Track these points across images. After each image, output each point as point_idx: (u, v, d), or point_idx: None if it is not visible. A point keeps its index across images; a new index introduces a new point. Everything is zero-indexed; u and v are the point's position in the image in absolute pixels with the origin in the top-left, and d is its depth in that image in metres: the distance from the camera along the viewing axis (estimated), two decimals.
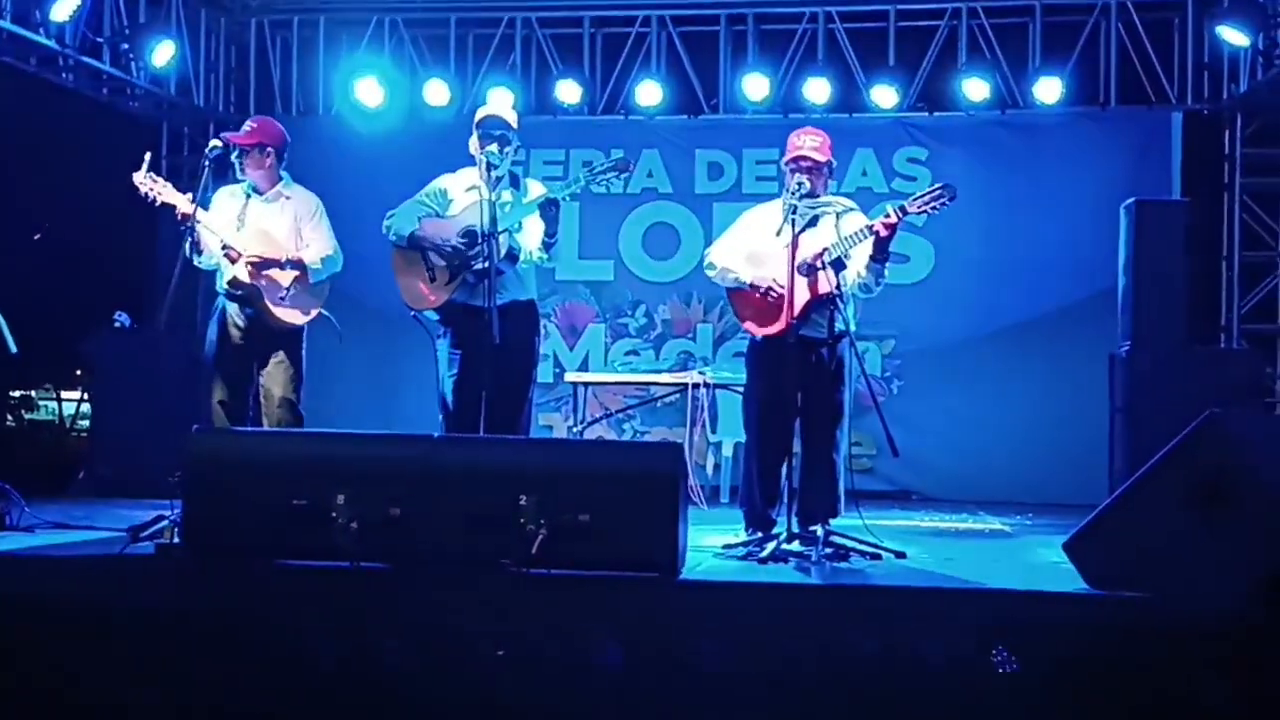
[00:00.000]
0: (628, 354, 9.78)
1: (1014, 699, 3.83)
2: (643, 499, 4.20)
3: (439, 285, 5.60)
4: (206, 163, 5.61)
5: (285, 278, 5.92)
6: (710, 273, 5.75)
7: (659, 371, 9.23)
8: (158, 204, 5.85)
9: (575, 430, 8.50)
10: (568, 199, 5.62)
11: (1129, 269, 7.86)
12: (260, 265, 5.86)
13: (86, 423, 10.48)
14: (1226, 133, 9.38)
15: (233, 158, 5.99)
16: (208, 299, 6.20)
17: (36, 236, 10.32)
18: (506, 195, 5.62)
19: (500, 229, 5.39)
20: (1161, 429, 4.63)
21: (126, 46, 8.72)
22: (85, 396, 11.02)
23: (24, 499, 5.60)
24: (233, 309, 6.00)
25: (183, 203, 5.71)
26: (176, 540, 4.41)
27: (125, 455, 7.93)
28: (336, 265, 6.08)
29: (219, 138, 5.92)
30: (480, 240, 5.40)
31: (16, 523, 5.51)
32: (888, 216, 5.21)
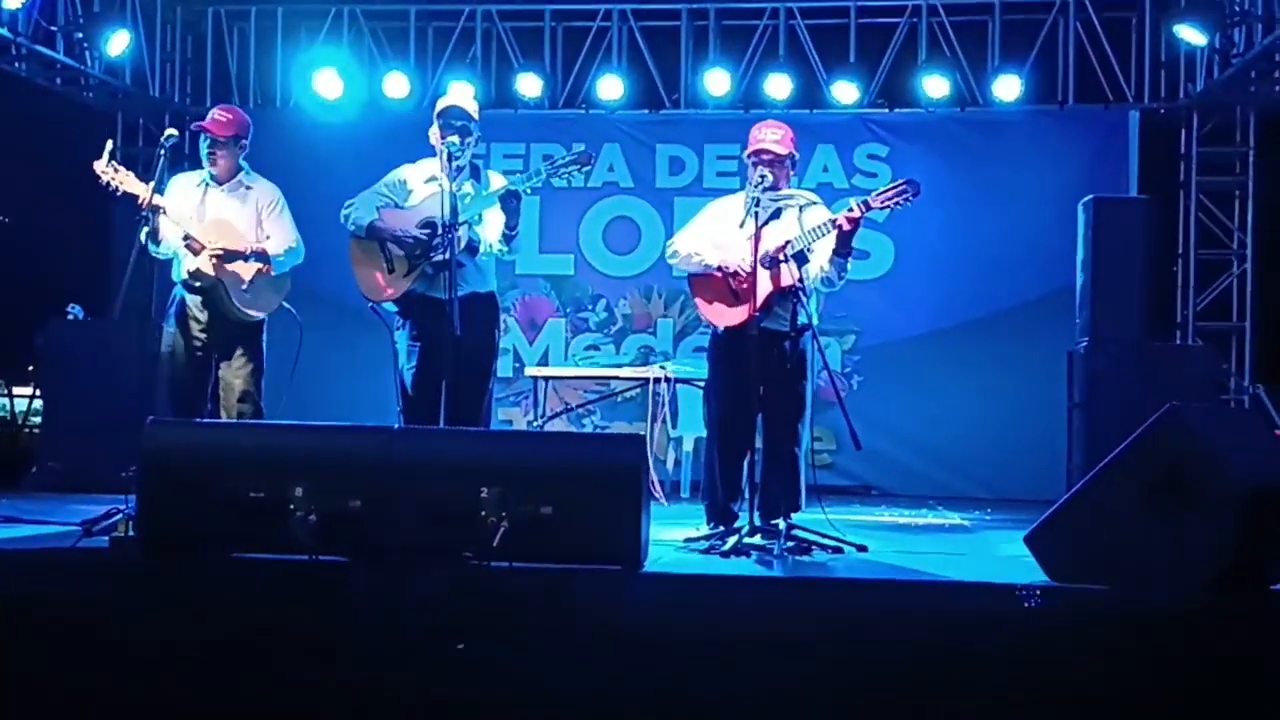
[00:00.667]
0: (588, 348, 9.76)
1: (976, 689, 3.83)
2: (605, 491, 4.17)
3: (398, 276, 5.54)
4: (163, 151, 5.52)
5: (248, 270, 5.85)
6: (674, 260, 5.73)
7: (619, 366, 9.21)
8: (119, 193, 5.76)
9: (535, 425, 8.46)
10: (529, 192, 5.59)
11: (1087, 266, 7.91)
12: (225, 258, 5.79)
13: (40, 419, 10.34)
14: (1183, 131, 9.49)
15: (205, 148, 5.91)
16: (163, 290, 6.11)
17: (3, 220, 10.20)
18: (467, 187, 5.57)
19: (460, 220, 5.34)
20: (1119, 425, 4.67)
21: (81, 35, 8.59)
22: (38, 392, 10.87)
23: None
24: (192, 301, 5.91)
25: (145, 192, 5.62)
26: (131, 534, 4.34)
27: (78, 450, 7.81)
28: (299, 257, 6.03)
29: (193, 127, 5.85)
30: (440, 231, 5.36)
31: None
32: (851, 211, 5.22)
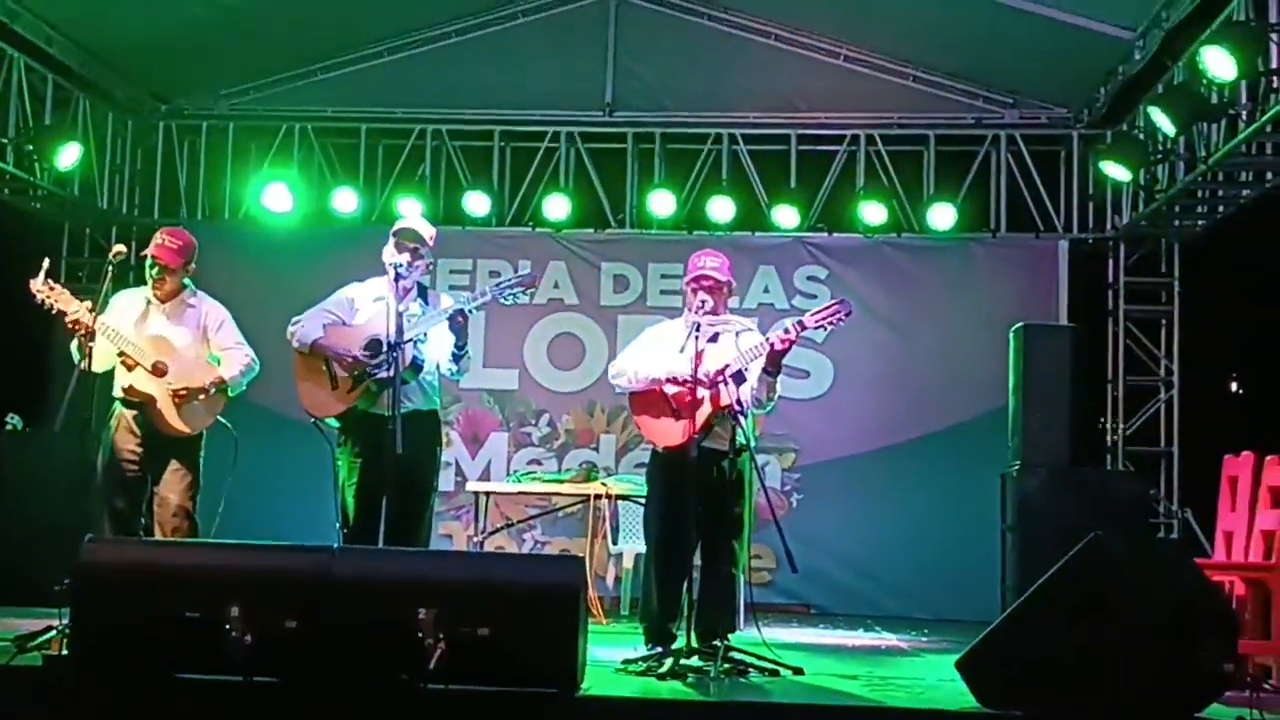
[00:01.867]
0: (530, 463, 9.77)
1: None
2: (543, 613, 4.20)
3: (341, 393, 5.58)
4: (110, 269, 5.55)
5: (209, 403, 5.83)
6: (617, 380, 5.81)
7: (561, 481, 9.22)
8: (54, 311, 5.75)
9: (476, 540, 8.44)
10: (474, 311, 5.68)
11: (1018, 391, 8.09)
12: (185, 397, 5.77)
13: None
14: (1110, 261, 9.79)
15: (152, 271, 5.93)
16: (103, 402, 6.09)
17: None
18: (414, 306, 5.65)
19: (405, 339, 5.41)
20: (1050, 547, 4.77)
21: (32, 148, 8.63)
22: None
23: None
24: (128, 415, 5.89)
25: (80, 311, 5.61)
26: (64, 652, 4.29)
27: (9, 562, 7.69)
28: (254, 373, 6.02)
29: (142, 255, 5.87)
30: (385, 349, 5.43)
31: None
32: (787, 332, 5.36)
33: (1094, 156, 8.99)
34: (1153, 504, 9.15)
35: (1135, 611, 4.12)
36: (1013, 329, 8.24)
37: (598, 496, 8.12)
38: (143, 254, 5.94)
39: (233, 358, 5.96)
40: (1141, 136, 8.64)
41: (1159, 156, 8.47)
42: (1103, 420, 9.68)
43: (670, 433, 5.58)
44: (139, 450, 5.86)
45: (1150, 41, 8.09)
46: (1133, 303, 9.74)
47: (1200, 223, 9.12)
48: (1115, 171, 8.71)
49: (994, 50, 9.19)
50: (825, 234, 9.86)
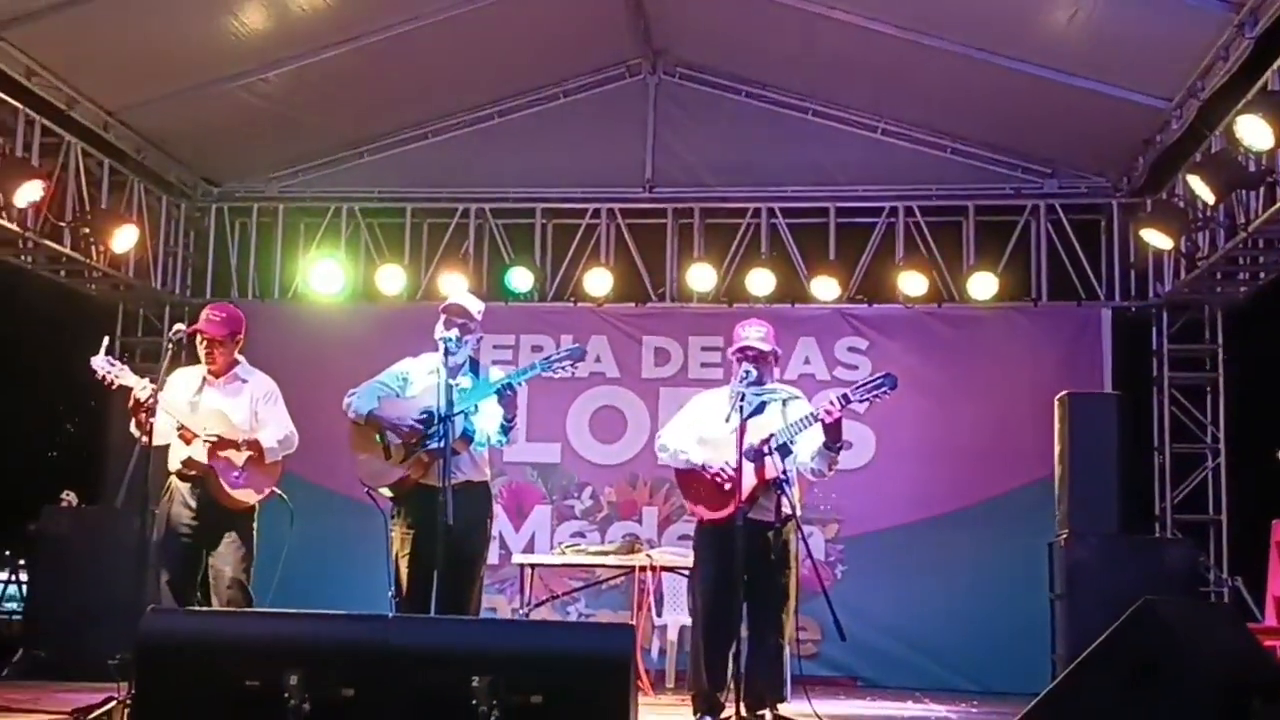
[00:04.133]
0: (573, 535, 9.81)
1: None
2: (596, 681, 4.21)
3: (394, 463, 5.68)
4: (169, 345, 5.70)
5: (239, 458, 5.98)
6: (663, 455, 5.89)
7: (604, 553, 9.24)
8: (115, 387, 5.90)
9: (521, 613, 8.46)
10: (522, 384, 5.77)
11: (1064, 459, 8.07)
12: (218, 446, 5.92)
13: (13, 605, 10.27)
14: (1154, 329, 9.78)
15: (202, 347, 6.08)
16: (159, 478, 6.21)
17: None
18: (464, 380, 5.75)
19: (456, 411, 5.51)
20: (1101, 616, 4.74)
21: (89, 231, 8.86)
22: (14, 578, 10.82)
23: None
24: (184, 488, 6.01)
25: (139, 386, 5.77)
26: None
27: (64, 637, 7.81)
28: (292, 446, 6.16)
29: (189, 330, 6.03)
30: (436, 421, 5.52)
31: None
32: (831, 405, 5.41)
33: (1134, 225, 9.03)
34: (1203, 571, 9.06)
35: (1187, 677, 4.10)
36: (1058, 397, 8.24)
37: (642, 568, 8.15)
38: (190, 330, 6.09)
39: (272, 429, 6.08)
40: (1181, 204, 8.67)
41: (1199, 224, 8.49)
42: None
43: (715, 505, 5.63)
44: (194, 523, 5.98)
45: (1187, 111, 8.15)
46: (1177, 369, 9.72)
47: (1243, 289, 9.14)
48: (1156, 239, 8.74)
49: (1031, 121, 9.28)
50: (865, 305, 9.93)
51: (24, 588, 9.28)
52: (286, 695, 4.06)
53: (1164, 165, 9.09)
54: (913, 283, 9.63)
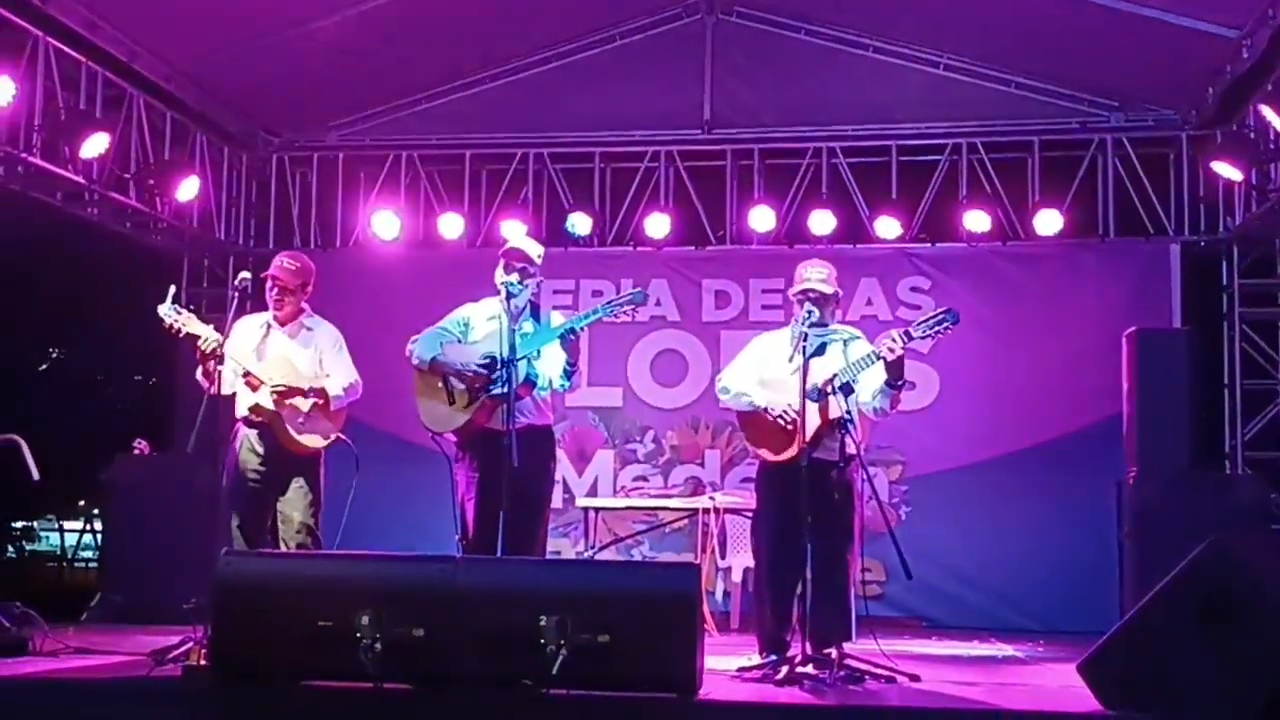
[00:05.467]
0: (636, 479, 9.85)
1: None
2: (662, 620, 4.25)
3: (458, 408, 5.72)
4: (235, 293, 5.76)
5: (305, 404, 6.03)
6: (724, 397, 5.88)
7: (668, 497, 9.29)
8: (182, 335, 5.97)
9: (585, 556, 8.54)
10: (584, 329, 5.77)
11: (1132, 397, 7.98)
12: (284, 394, 5.99)
13: (89, 553, 10.54)
14: (1224, 264, 9.60)
15: (271, 294, 6.15)
16: (229, 424, 6.29)
17: (42, 368, 10.48)
18: (526, 325, 5.77)
19: (519, 356, 5.53)
20: (1170, 554, 4.68)
21: (153, 182, 8.95)
22: (89, 526, 11.08)
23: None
24: (252, 435, 6.08)
25: (206, 333, 5.84)
26: (202, 662, 4.46)
27: (139, 582, 7.98)
28: (357, 393, 6.22)
29: (264, 276, 6.09)
30: (499, 366, 5.55)
31: (40, 647, 5.55)
32: (893, 342, 5.36)
33: (1204, 157, 8.84)
34: (1273, 508, 8.92)
35: (1260, 612, 4.05)
36: (1126, 334, 8.12)
37: (706, 511, 8.18)
38: (263, 275, 6.15)
39: (338, 377, 6.14)
40: (1252, 135, 8.48)
41: (1271, 155, 8.30)
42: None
43: (779, 448, 5.61)
44: (262, 469, 6.05)
45: (1258, 40, 7.94)
46: (1248, 305, 9.53)
47: None
48: (1226, 172, 8.57)
49: (1097, 53, 9.08)
50: (928, 244, 9.82)
51: (99, 536, 9.51)
52: (359, 635, 4.15)
53: (1234, 96, 8.86)
54: (976, 220, 9.51)
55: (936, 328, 5.39)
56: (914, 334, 5.40)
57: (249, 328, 6.17)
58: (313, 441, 6.07)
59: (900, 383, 5.47)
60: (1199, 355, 8.12)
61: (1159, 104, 9.62)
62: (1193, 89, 9.17)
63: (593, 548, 8.60)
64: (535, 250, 5.92)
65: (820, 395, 5.50)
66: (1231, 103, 8.96)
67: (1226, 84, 8.73)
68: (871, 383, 5.52)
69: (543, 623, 4.16)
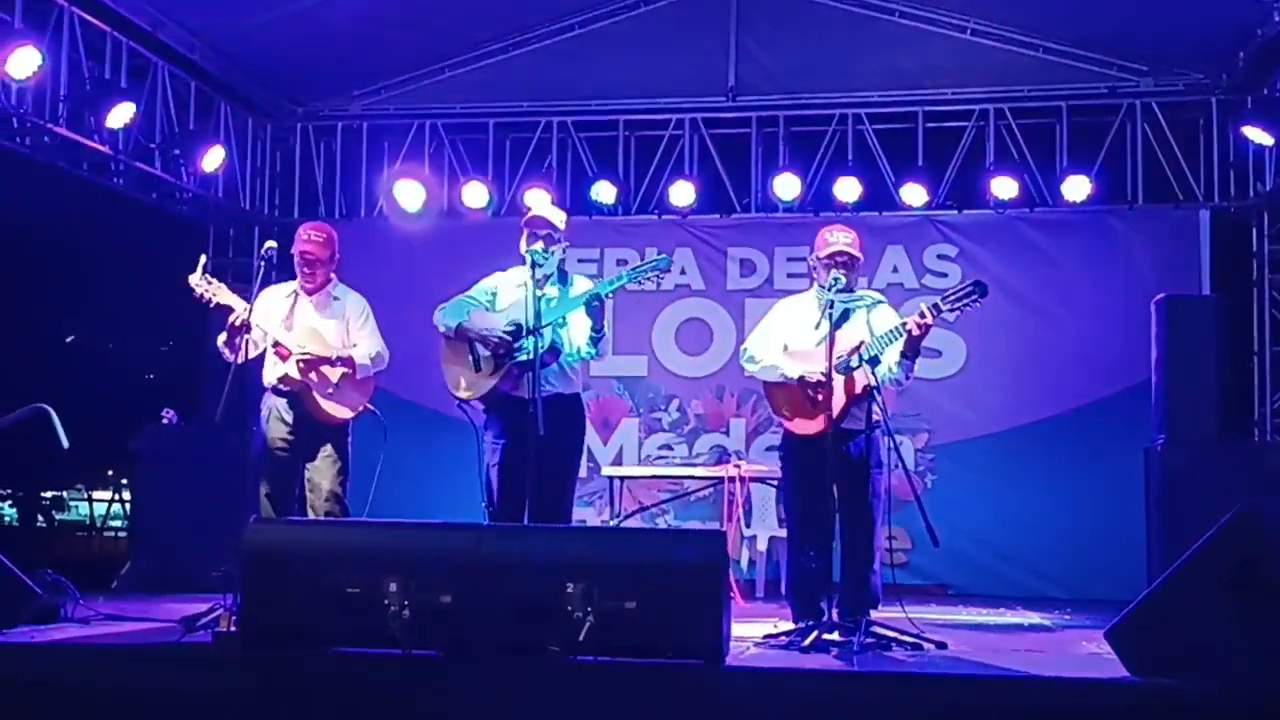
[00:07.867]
0: (661, 448, 9.87)
1: None
2: (688, 587, 4.26)
3: (484, 375, 5.73)
4: (262, 263, 5.78)
5: (334, 374, 6.07)
6: (750, 366, 5.86)
7: (693, 465, 9.30)
8: (212, 305, 6.02)
9: (611, 524, 8.57)
10: (609, 296, 5.77)
11: (1161, 364, 7.93)
12: (311, 362, 6.02)
13: (118, 522, 10.63)
14: (1254, 230, 9.50)
15: (299, 266, 6.16)
16: (256, 395, 6.33)
17: (69, 339, 10.54)
18: (552, 291, 5.77)
19: (544, 323, 5.53)
20: (1199, 522, 4.66)
21: (178, 152, 8.97)
22: (118, 496, 11.17)
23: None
24: (280, 404, 6.13)
25: (237, 303, 5.89)
26: (231, 629, 4.50)
27: (167, 551, 8.05)
28: (384, 363, 6.25)
29: (294, 250, 6.11)
30: (524, 333, 5.55)
31: (71, 615, 5.62)
32: (922, 316, 5.33)
33: (1234, 122, 8.75)
34: None
35: None
36: (1154, 301, 8.06)
37: (731, 479, 8.19)
38: (291, 252, 6.16)
39: (365, 346, 6.17)
40: None
41: None
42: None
43: (807, 418, 5.60)
44: (290, 438, 6.10)
45: None
46: (1277, 271, 9.44)
47: None
48: (1257, 137, 8.48)
49: (1126, 17, 8.96)
50: (955, 211, 9.76)
51: (127, 506, 9.58)
52: (386, 602, 4.18)
53: (1265, 60, 8.73)
54: (1003, 187, 9.44)
55: (964, 300, 5.36)
56: (943, 307, 5.38)
57: (275, 297, 6.20)
58: (341, 412, 6.12)
59: (916, 354, 5.46)
60: (1227, 322, 8.05)
61: (1188, 68, 9.49)
62: (1223, 52, 9.04)
63: (618, 516, 8.63)
64: (559, 217, 5.91)
65: (847, 369, 5.50)
66: (1262, 67, 8.83)
67: (1257, 47, 8.60)
68: (892, 354, 5.51)
69: (569, 590, 4.18)
